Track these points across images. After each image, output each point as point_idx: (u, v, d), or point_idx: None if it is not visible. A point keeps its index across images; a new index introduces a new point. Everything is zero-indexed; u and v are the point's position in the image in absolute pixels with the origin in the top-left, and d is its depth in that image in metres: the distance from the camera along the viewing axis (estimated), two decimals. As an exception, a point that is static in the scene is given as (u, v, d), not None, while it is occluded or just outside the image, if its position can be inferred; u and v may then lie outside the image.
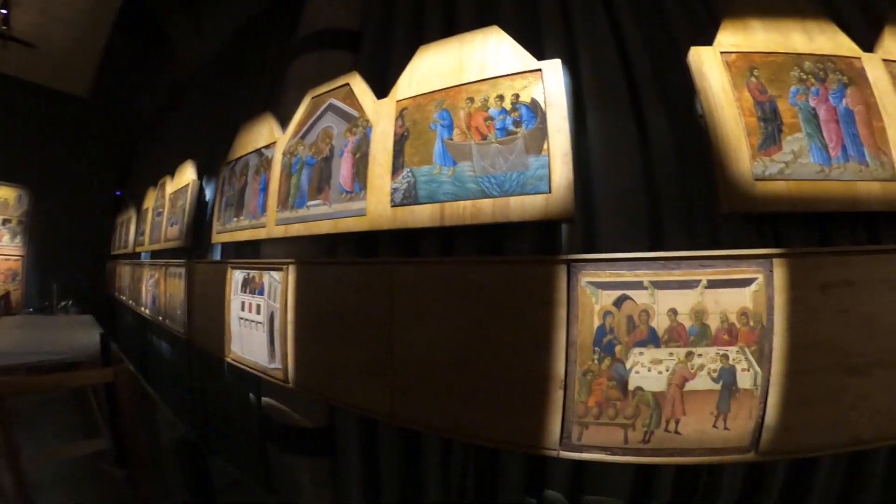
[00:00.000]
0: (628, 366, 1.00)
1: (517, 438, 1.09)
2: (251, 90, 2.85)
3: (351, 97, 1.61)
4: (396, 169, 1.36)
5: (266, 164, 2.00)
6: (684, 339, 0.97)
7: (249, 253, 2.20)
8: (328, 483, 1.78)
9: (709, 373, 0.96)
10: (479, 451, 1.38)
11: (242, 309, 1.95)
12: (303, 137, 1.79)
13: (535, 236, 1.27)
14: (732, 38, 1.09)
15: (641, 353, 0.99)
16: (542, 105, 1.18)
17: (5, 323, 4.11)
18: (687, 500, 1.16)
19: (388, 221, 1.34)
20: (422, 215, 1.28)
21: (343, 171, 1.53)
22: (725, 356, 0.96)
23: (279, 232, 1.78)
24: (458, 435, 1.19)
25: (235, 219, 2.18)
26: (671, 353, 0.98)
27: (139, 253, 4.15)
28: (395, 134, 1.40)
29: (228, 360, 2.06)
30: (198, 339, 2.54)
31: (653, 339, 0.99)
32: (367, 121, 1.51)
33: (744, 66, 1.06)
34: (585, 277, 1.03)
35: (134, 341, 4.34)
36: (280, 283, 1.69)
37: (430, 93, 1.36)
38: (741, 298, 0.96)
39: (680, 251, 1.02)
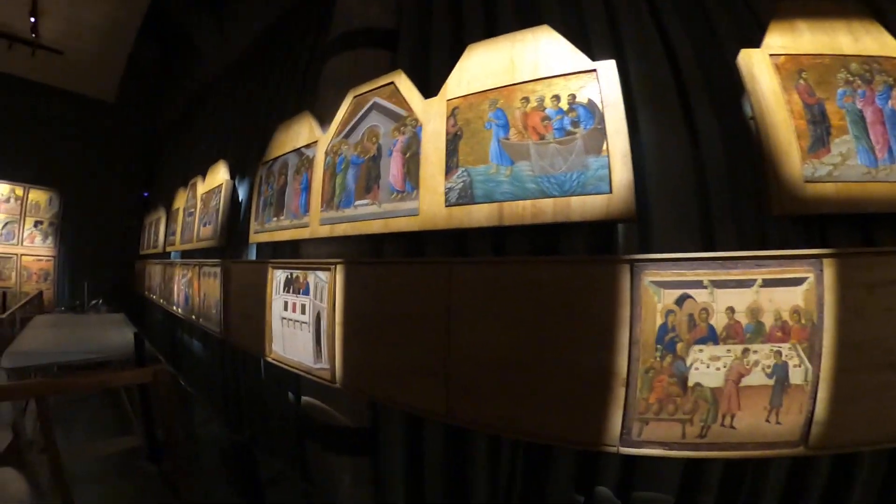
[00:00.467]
0: (688, 363, 1.05)
1: (577, 436, 1.14)
2: (281, 90, 2.92)
3: (397, 96, 1.66)
4: (450, 168, 1.41)
5: (307, 163, 2.06)
6: (741, 336, 1.03)
7: (288, 252, 2.27)
8: (369, 482, 1.85)
9: (763, 369, 1.02)
10: (527, 449, 1.44)
11: (285, 309, 2.01)
12: (346, 137, 1.84)
13: (588, 236, 1.32)
14: (780, 40, 1.13)
15: (701, 350, 1.05)
16: (600, 106, 1.22)
17: (39, 322, 4.22)
18: (733, 496, 1.21)
19: (443, 221, 1.39)
20: (479, 215, 1.32)
21: (393, 170, 1.59)
22: (779, 352, 1.01)
23: (324, 232, 1.84)
24: (516, 434, 1.25)
25: (275, 218, 2.25)
26: (728, 350, 1.03)
27: (169, 252, 4.24)
28: (448, 133, 1.45)
29: (269, 359, 2.12)
30: (235, 339, 2.62)
31: (712, 337, 1.05)
32: (416, 120, 1.56)
33: (792, 69, 1.10)
34: (648, 277, 1.09)
35: (164, 339, 4.46)
36: (327, 282, 1.74)
37: (482, 92, 1.41)
38: (793, 297, 1.01)
39: (733, 251, 1.07)
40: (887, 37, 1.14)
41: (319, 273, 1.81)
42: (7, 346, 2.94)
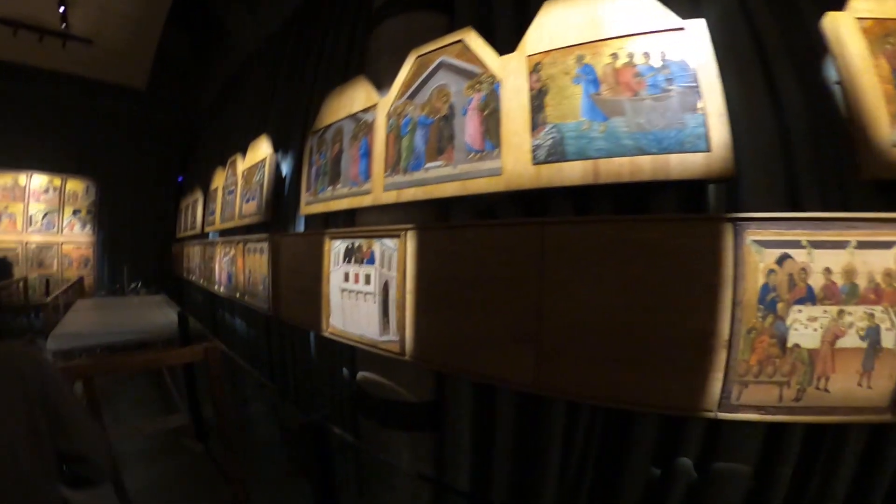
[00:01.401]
0: (788, 323, 1.09)
1: (675, 401, 1.17)
2: (323, 60, 2.92)
3: (467, 53, 1.66)
4: (537, 125, 1.42)
5: (366, 128, 2.07)
6: (837, 297, 1.06)
7: (341, 222, 2.30)
8: (430, 458, 1.90)
9: (857, 331, 1.05)
10: (606, 419, 1.48)
11: (346, 280, 2.03)
12: (411, 98, 1.85)
13: (674, 195, 1.33)
14: (866, 3, 1.13)
15: (800, 311, 1.08)
16: (692, 64, 1.23)
17: (82, 305, 4.37)
18: (811, 466, 1.24)
19: (530, 180, 1.40)
20: (571, 173, 1.33)
21: (469, 129, 1.60)
22: (871, 315, 1.04)
23: (389, 198, 1.85)
24: (610, 402, 1.27)
25: (331, 187, 2.27)
26: (825, 311, 1.06)
27: (207, 233, 4.33)
28: (532, 89, 1.45)
29: (327, 334, 2.15)
30: (286, 315, 2.64)
31: (810, 297, 1.08)
32: (493, 76, 1.56)
33: (879, 33, 1.11)
34: (750, 236, 1.11)
35: (206, 319, 4.53)
36: (396, 250, 1.76)
37: (566, 47, 1.40)
38: (885, 260, 1.04)
39: (827, 213, 1.08)
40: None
41: (387, 241, 1.82)
42: (52, 330, 3.02)
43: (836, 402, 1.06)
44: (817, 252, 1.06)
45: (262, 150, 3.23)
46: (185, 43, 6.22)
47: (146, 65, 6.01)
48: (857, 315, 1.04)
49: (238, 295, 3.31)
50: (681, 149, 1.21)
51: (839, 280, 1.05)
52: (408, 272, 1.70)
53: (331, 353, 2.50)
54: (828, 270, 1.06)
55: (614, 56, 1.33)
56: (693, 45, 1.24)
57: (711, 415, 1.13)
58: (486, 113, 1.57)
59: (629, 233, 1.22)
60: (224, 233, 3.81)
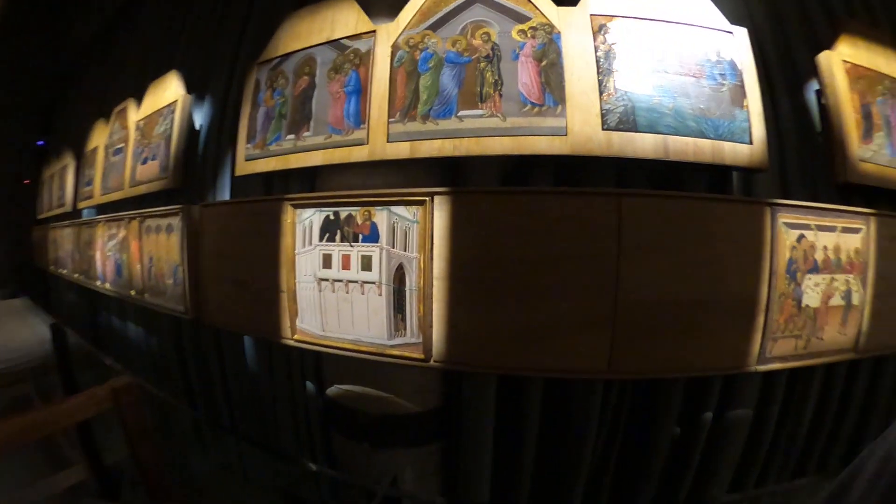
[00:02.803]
0: (803, 288, 1.37)
1: (727, 362, 1.33)
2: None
3: None
4: (606, 89, 1.36)
5: (356, 58, 1.60)
6: (830, 268, 1.41)
7: (307, 186, 1.75)
8: (436, 472, 1.65)
9: (839, 293, 1.43)
10: (634, 391, 1.54)
11: (327, 265, 1.51)
12: (433, 29, 1.50)
13: (707, 179, 1.50)
14: (848, 50, 1.56)
15: (810, 279, 1.38)
16: (738, 65, 1.42)
17: None
18: (794, 406, 1.62)
19: (601, 147, 1.33)
20: (643, 145, 1.33)
21: (523, 77, 1.40)
22: (847, 281, 1.44)
23: (397, 151, 1.46)
24: (675, 372, 1.34)
25: (292, 136, 1.68)
26: (824, 279, 1.40)
27: (82, 210, 3.37)
28: (597, 49, 1.39)
29: (292, 342, 1.58)
30: (215, 318, 1.88)
31: (815, 268, 1.39)
32: (551, 25, 1.43)
33: (854, 75, 1.56)
34: (781, 219, 1.34)
35: (85, 330, 3.36)
36: (417, 221, 1.38)
37: (635, 18, 1.41)
38: (856, 241, 1.45)
39: (826, 204, 1.43)
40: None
41: (400, 210, 1.40)
42: None
43: (826, 348, 1.41)
44: (820, 234, 1.39)
45: (168, 91, 2.39)
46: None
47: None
48: (840, 281, 1.41)
49: (133, 293, 2.39)
50: (731, 138, 1.37)
51: (832, 255, 1.40)
52: (437, 252, 1.35)
53: (285, 365, 1.90)
54: (825, 248, 1.40)
55: (681, 39, 1.40)
56: (739, 50, 1.42)
57: (752, 369, 1.34)
58: (543, 63, 1.41)
59: (704, 211, 1.30)
60: (107, 208, 2.91)
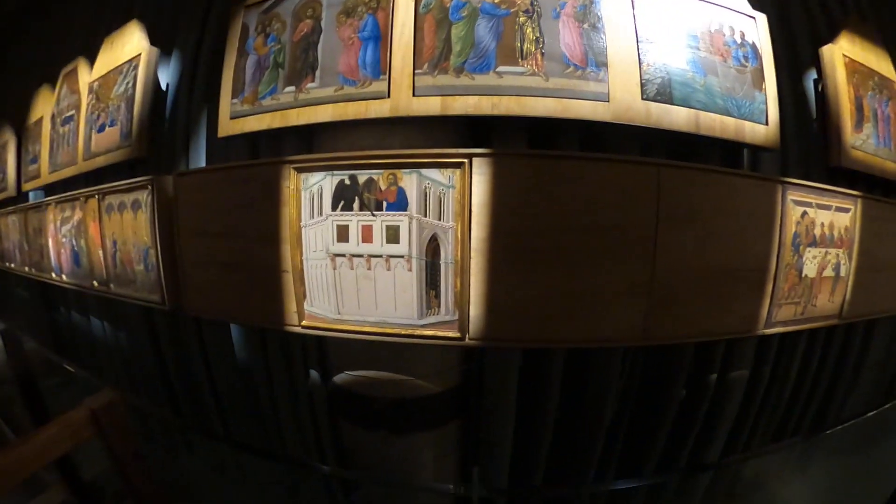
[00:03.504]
0: (804, 260, 1.52)
1: (744, 325, 1.45)
2: None
3: None
4: (645, 59, 1.37)
5: (373, 0, 1.42)
6: (826, 242, 1.58)
7: (306, 147, 1.58)
8: (455, 451, 1.63)
9: (831, 265, 1.61)
10: (646, 357, 1.62)
11: (343, 238, 1.36)
12: (464, -24, 1.40)
13: (720, 155, 1.58)
14: (847, 45, 1.72)
15: (809, 251, 1.53)
16: (759, 50, 1.50)
17: None
18: (783, 367, 1.79)
19: (640, 116, 1.35)
20: (678, 118, 1.38)
21: (566, 37, 1.37)
22: (837, 255, 1.62)
23: (430, 107, 1.36)
24: (701, 336, 1.43)
25: (291, 87, 1.50)
26: (820, 252, 1.56)
27: (28, 193, 2.99)
28: (635, 18, 1.39)
29: (300, 329, 1.44)
30: (200, 306, 1.67)
31: (814, 242, 1.55)
32: (590, -10, 1.40)
33: (851, 69, 1.72)
34: (790, 196, 1.46)
35: (41, 331, 3.01)
36: (454, 186, 1.28)
37: None
38: (845, 220, 1.63)
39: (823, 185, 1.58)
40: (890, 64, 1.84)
41: (432, 173, 1.30)
42: None
43: (817, 314, 1.59)
44: (819, 211, 1.54)
45: (129, 46, 2.04)
46: None
47: None
48: (832, 255, 1.58)
49: (96, 284, 2.09)
50: (751, 118, 1.47)
51: (827, 231, 1.56)
52: (475, 220, 1.27)
53: (283, 355, 1.73)
54: (822, 224, 1.55)
55: (710, 19, 1.45)
56: (760, 35, 1.51)
57: (760, 332, 1.47)
58: (585, 26, 1.38)
59: (730, 185, 1.38)
60: (58, 187, 2.55)
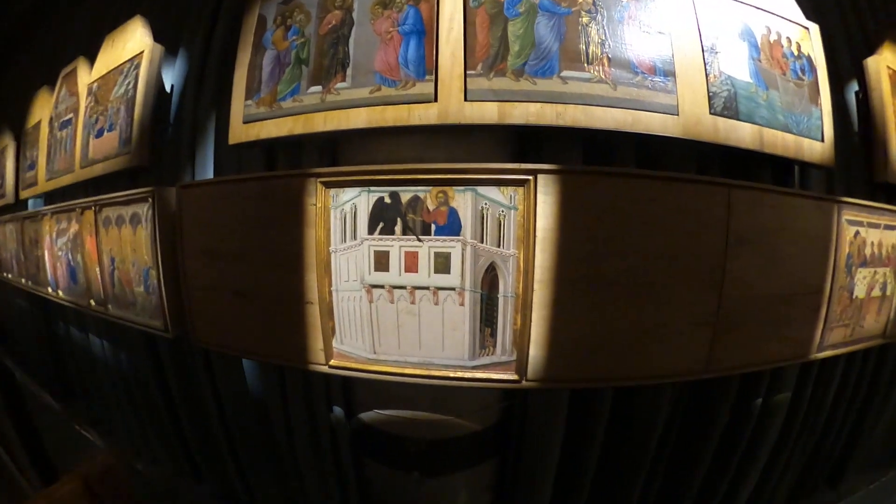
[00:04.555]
0: (855, 281, 1.52)
1: (799, 350, 1.43)
2: None
3: None
4: (711, 70, 1.31)
5: None
6: (875, 262, 1.60)
7: (315, 160, 1.43)
8: (488, 489, 1.55)
9: (879, 285, 1.63)
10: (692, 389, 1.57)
11: (382, 267, 1.21)
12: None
13: (772, 174, 1.56)
14: (891, 57, 1.72)
15: (860, 272, 1.54)
16: (815, 62, 1.48)
17: None
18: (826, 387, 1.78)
19: (708, 131, 1.30)
20: (744, 134, 1.33)
21: (632, 41, 1.27)
22: (885, 273, 1.64)
23: (485, 113, 1.23)
24: (762, 366, 1.41)
25: (317, 87, 1.34)
26: (869, 272, 1.58)
27: (26, 200, 2.87)
28: (699, 25, 1.33)
29: (327, 368, 1.30)
30: (211, 339, 1.51)
31: (864, 262, 1.56)
32: (655, -8, 1.33)
33: (894, 81, 1.71)
34: (844, 216, 1.46)
35: (40, 351, 2.94)
36: (516, 208, 1.16)
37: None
38: (893, 237, 1.65)
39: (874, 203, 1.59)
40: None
41: (490, 191, 1.16)
42: None
43: (865, 335, 1.61)
44: (870, 230, 1.55)
45: (131, 42, 1.89)
46: None
47: None
48: (880, 274, 1.60)
49: (93, 303, 1.97)
50: (809, 134, 1.45)
51: (876, 250, 1.58)
52: (539, 247, 1.15)
53: (304, 392, 1.56)
54: (872, 243, 1.57)
55: (768, 28, 1.41)
56: (814, 46, 1.49)
57: (813, 356, 1.46)
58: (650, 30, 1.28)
59: (792, 206, 1.35)
60: (55, 196, 2.49)
